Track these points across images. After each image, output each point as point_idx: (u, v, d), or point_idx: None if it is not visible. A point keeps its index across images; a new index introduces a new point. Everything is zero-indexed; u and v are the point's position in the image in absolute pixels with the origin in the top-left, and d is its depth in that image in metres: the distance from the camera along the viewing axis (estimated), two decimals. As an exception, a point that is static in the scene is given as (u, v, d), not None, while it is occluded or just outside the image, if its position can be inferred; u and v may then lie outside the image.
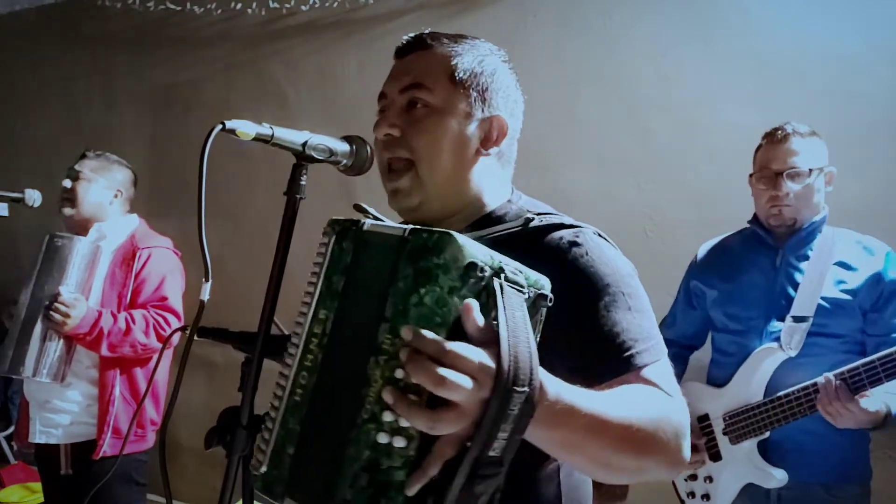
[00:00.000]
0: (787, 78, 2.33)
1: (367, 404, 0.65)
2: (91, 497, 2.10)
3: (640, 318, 0.90)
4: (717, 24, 2.44)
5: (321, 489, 0.70)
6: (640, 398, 0.83)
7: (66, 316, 2.09)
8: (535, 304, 0.72)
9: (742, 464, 1.80)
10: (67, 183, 2.31)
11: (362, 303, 0.74)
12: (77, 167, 2.34)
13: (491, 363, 0.63)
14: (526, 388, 0.63)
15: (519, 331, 0.65)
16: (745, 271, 1.87)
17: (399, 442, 0.64)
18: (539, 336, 0.72)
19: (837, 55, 2.27)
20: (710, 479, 1.88)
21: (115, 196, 2.38)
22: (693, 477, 1.92)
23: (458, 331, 0.65)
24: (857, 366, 1.63)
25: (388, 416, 0.64)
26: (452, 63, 1.00)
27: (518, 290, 0.68)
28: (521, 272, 0.70)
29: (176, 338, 2.22)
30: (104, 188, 2.36)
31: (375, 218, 0.82)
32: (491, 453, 0.63)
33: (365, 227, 0.78)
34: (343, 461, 0.66)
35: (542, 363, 0.68)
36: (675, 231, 2.50)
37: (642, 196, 2.55)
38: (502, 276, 0.67)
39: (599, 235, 0.97)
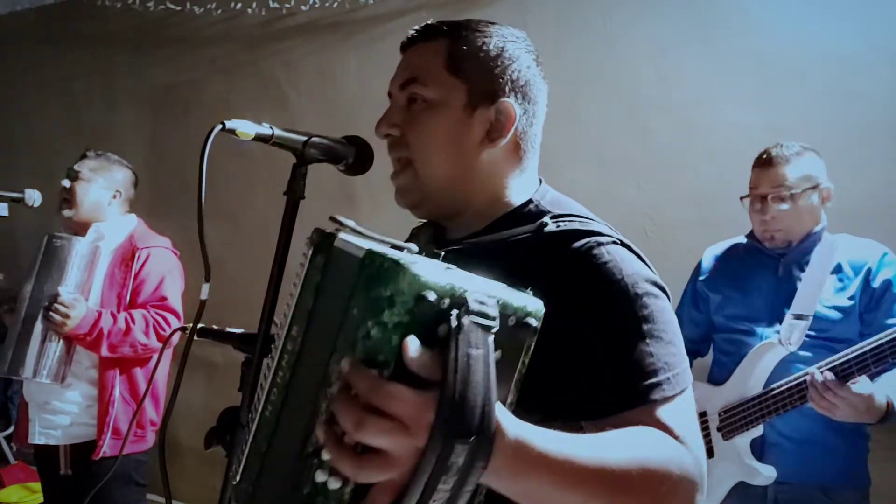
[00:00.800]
0: (787, 78, 2.33)
1: (313, 437, 0.61)
2: (91, 497, 2.09)
3: (657, 345, 0.80)
4: (717, 24, 2.44)
5: None
6: (638, 441, 0.71)
7: (66, 316, 2.09)
8: (514, 333, 0.64)
9: (732, 461, 1.80)
10: (66, 183, 2.31)
11: (324, 325, 0.69)
12: (76, 167, 2.34)
13: (429, 408, 0.56)
14: (472, 438, 0.55)
15: (473, 371, 0.57)
16: (748, 277, 1.89)
17: (333, 484, 0.60)
18: (523, 367, 0.67)
19: (837, 55, 2.27)
20: None
21: (114, 196, 2.38)
22: None
23: (403, 371, 0.58)
24: (842, 355, 1.65)
25: (326, 455, 0.60)
26: (450, 51, 0.93)
27: (483, 322, 0.60)
28: (492, 300, 0.61)
29: (176, 338, 2.22)
30: (103, 188, 2.35)
31: (353, 230, 0.75)
32: None
33: (335, 243, 0.72)
34: (292, 491, 0.63)
35: (528, 397, 0.63)
36: (675, 231, 2.50)
37: (642, 196, 2.55)
38: (463, 307, 0.59)
39: (622, 244, 0.88)
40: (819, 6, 2.31)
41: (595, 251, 0.84)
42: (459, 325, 0.58)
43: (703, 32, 2.46)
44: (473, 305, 0.59)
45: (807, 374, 1.67)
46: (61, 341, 2.15)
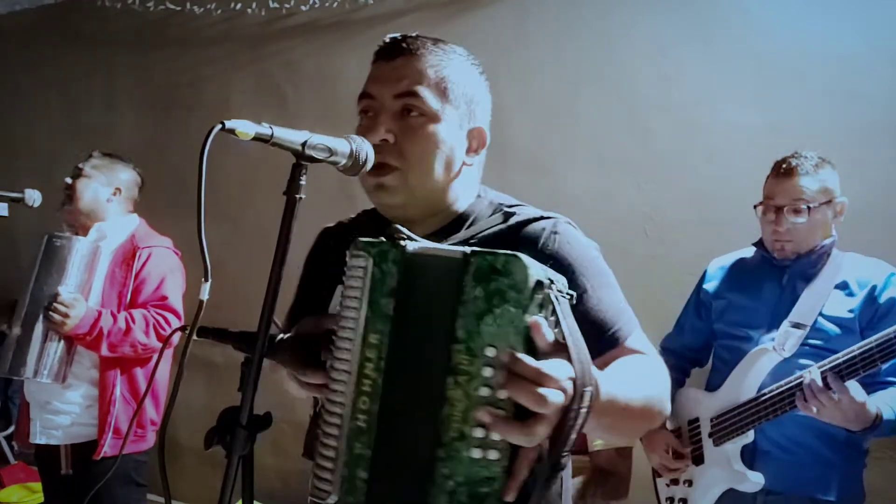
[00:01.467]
0: (787, 78, 2.33)
1: (454, 423, 0.69)
2: (91, 498, 2.10)
3: (614, 293, 1.01)
4: (717, 24, 2.44)
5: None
6: (643, 372, 0.94)
7: (66, 316, 2.09)
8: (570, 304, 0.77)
9: (721, 467, 1.80)
10: (68, 179, 2.34)
11: (422, 324, 0.76)
12: (80, 165, 2.36)
13: (572, 373, 0.70)
14: (591, 387, 0.71)
15: (576, 336, 0.71)
16: (752, 285, 1.89)
17: (493, 455, 0.69)
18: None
19: (837, 55, 2.27)
20: (689, 482, 1.88)
21: (114, 194, 2.38)
22: (675, 482, 1.92)
23: (530, 345, 0.70)
24: (834, 358, 1.64)
25: (478, 433, 0.68)
26: (444, 74, 1.01)
27: (564, 297, 0.74)
28: (560, 280, 0.76)
29: (176, 338, 2.22)
30: (102, 185, 2.36)
31: (409, 238, 0.83)
32: (566, 451, 0.70)
33: (411, 249, 0.80)
34: (434, 480, 0.70)
35: None
36: (675, 231, 2.50)
37: (642, 196, 2.55)
38: (554, 287, 0.73)
39: (568, 223, 1.04)
40: (819, 6, 2.31)
41: (559, 228, 1.00)
42: (559, 301, 0.73)
43: (703, 32, 2.46)
44: (559, 286, 0.75)
45: (799, 377, 1.66)
46: (62, 341, 2.15)
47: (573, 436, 0.70)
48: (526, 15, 2.73)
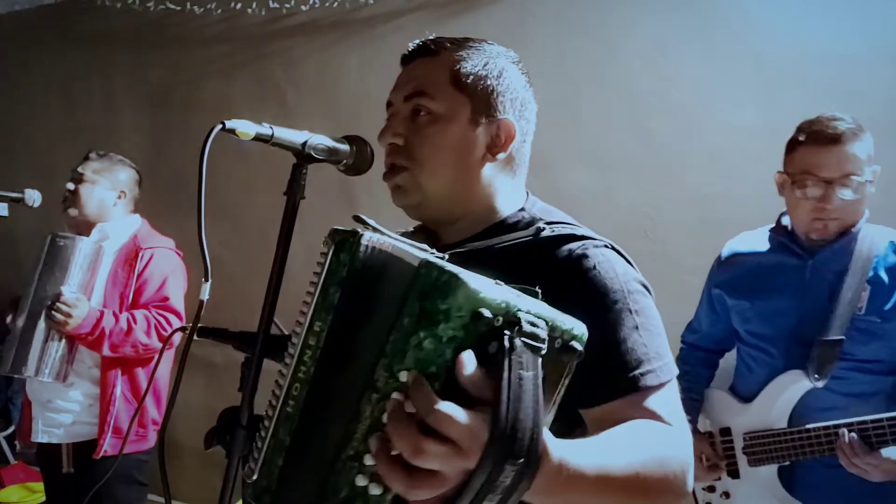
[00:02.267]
0: (787, 78, 2.33)
1: (354, 441, 0.62)
2: (92, 497, 2.10)
3: (647, 336, 0.86)
4: (717, 24, 2.44)
5: None
6: (644, 440, 0.77)
7: (68, 316, 2.09)
8: (558, 355, 0.64)
9: (760, 488, 1.70)
10: (70, 185, 2.32)
11: (362, 324, 0.72)
12: (80, 169, 2.34)
13: (482, 431, 0.57)
14: (521, 461, 0.56)
15: (524, 394, 0.57)
16: (770, 287, 1.67)
17: (374, 490, 0.60)
18: (562, 388, 0.67)
19: (837, 55, 2.27)
20: (727, 494, 1.79)
21: (119, 197, 2.38)
22: (711, 489, 1.82)
23: (452, 384, 0.59)
24: (879, 418, 1.47)
25: (369, 460, 0.60)
26: (455, 68, 0.99)
27: (533, 344, 0.60)
28: (542, 321, 0.62)
29: (177, 337, 2.22)
30: (107, 189, 2.36)
31: (375, 230, 0.79)
32: None
33: (367, 242, 0.76)
34: (325, 490, 0.64)
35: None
36: (675, 232, 2.50)
37: (642, 196, 2.55)
38: (516, 328, 0.60)
39: (612, 248, 0.94)
40: (819, 6, 2.31)
41: (590, 252, 0.90)
42: (512, 346, 0.58)
43: (703, 32, 2.46)
44: (526, 326, 0.60)
45: (838, 425, 1.52)
46: (64, 340, 2.16)
47: None
48: (526, 15, 2.73)
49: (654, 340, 0.87)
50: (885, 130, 2.22)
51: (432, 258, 0.64)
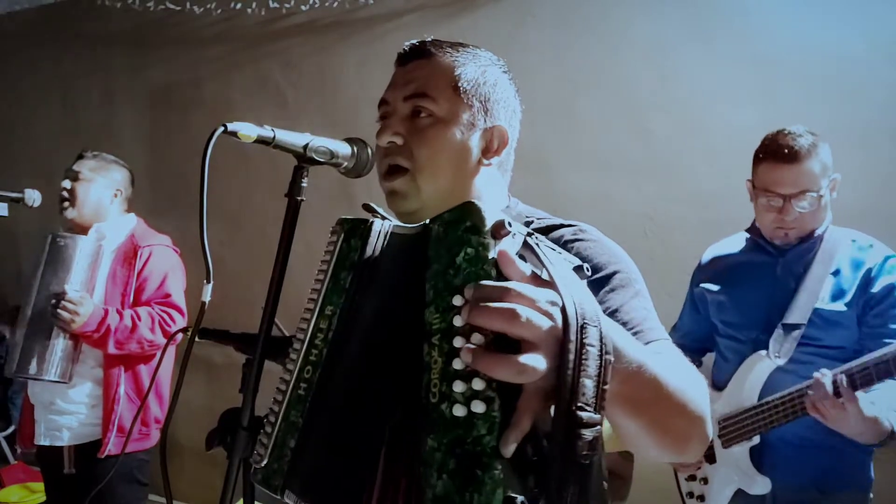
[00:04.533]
0: (787, 78, 2.33)
1: (433, 388, 0.61)
2: (94, 496, 2.10)
3: (645, 302, 0.91)
4: (717, 24, 2.44)
5: (328, 489, 0.71)
6: (679, 364, 0.83)
7: (75, 314, 2.10)
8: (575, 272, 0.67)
9: (732, 468, 1.80)
10: (67, 184, 2.31)
11: (379, 299, 0.74)
12: (75, 168, 2.34)
13: (556, 296, 0.59)
14: (598, 324, 0.58)
15: (569, 278, 0.61)
16: (744, 280, 1.82)
17: (478, 407, 0.58)
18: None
19: (837, 55, 2.27)
20: (705, 480, 1.89)
21: (115, 195, 2.39)
22: (692, 477, 1.93)
23: (502, 279, 0.61)
24: (850, 367, 1.56)
25: (458, 387, 0.59)
26: (456, 73, 1.00)
27: (552, 248, 0.65)
28: (550, 245, 0.67)
29: (179, 335, 2.23)
30: (104, 188, 2.36)
31: (383, 217, 0.82)
32: (582, 402, 0.57)
33: (379, 228, 0.78)
34: (421, 452, 0.62)
35: None
36: (675, 231, 2.50)
37: (642, 196, 2.55)
38: (533, 237, 0.65)
39: (593, 230, 1.00)
40: (819, 6, 2.31)
41: (583, 235, 0.95)
42: (539, 244, 0.63)
43: (703, 32, 2.46)
44: (541, 241, 0.65)
45: (800, 389, 1.63)
46: (68, 340, 2.16)
47: (587, 382, 0.57)
48: (525, 15, 2.73)
49: (651, 311, 0.92)
50: (885, 130, 2.22)
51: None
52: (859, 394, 1.52)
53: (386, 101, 1.03)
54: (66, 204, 2.31)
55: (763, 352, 1.73)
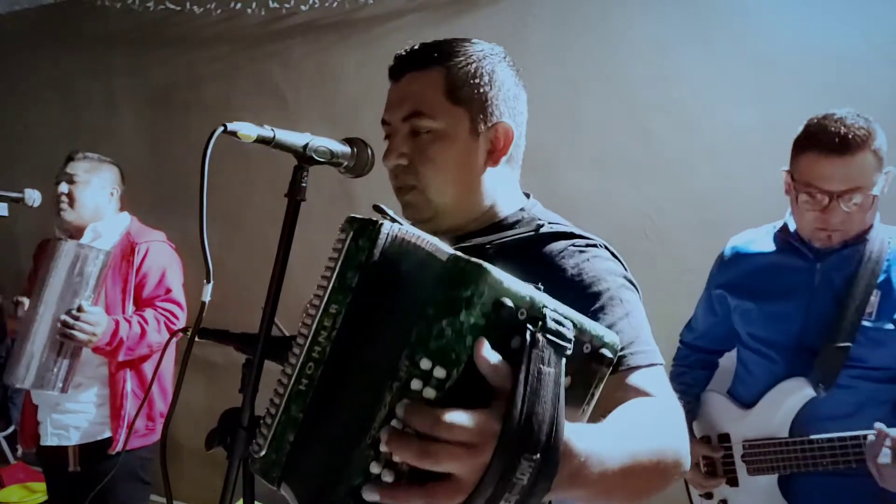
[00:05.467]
0: (787, 78, 2.33)
1: (372, 429, 0.61)
2: (97, 495, 2.10)
3: (636, 324, 0.89)
4: (717, 24, 2.44)
5: (314, 488, 0.72)
6: (650, 417, 0.79)
7: (92, 335, 2.08)
8: (588, 361, 0.64)
9: (757, 497, 1.65)
10: (64, 188, 2.31)
11: (383, 310, 0.74)
12: (69, 170, 2.34)
13: (494, 424, 0.56)
14: (536, 457, 0.54)
15: (543, 388, 0.56)
16: (776, 290, 1.60)
17: (387, 477, 0.59)
18: (592, 399, 0.67)
19: (837, 55, 2.27)
20: (724, 502, 1.75)
21: (111, 195, 2.40)
22: (709, 495, 1.78)
23: (472, 372, 0.59)
24: None
25: (385, 447, 0.59)
26: (447, 80, 0.99)
27: (557, 342, 0.59)
28: (569, 321, 0.62)
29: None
30: (99, 189, 2.37)
31: (393, 220, 0.82)
32: None
33: (388, 231, 0.78)
34: (338, 473, 0.65)
35: None
36: (675, 232, 2.50)
37: (642, 196, 2.55)
38: (540, 323, 0.59)
39: (607, 249, 0.98)
40: (819, 6, 2.31)
41: (584, 249, 0.95)
42: (534, 340, 0.58)
43: (703, 32, 2.46)
44: (550, 323, 0.60)
45: (855, 437, 1.44)
46: (71, 352, 2.14)
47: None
48: (526, 15, 2.73)
49: (642, 329, 0.90)
50: (885, 130, 2.21)
51: (461, 253, 0.64)
52: None
53: (385, 121, 1.03)
54: (64, 206, 2.31)
55: (803, 379, 1.52)
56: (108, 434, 2.25)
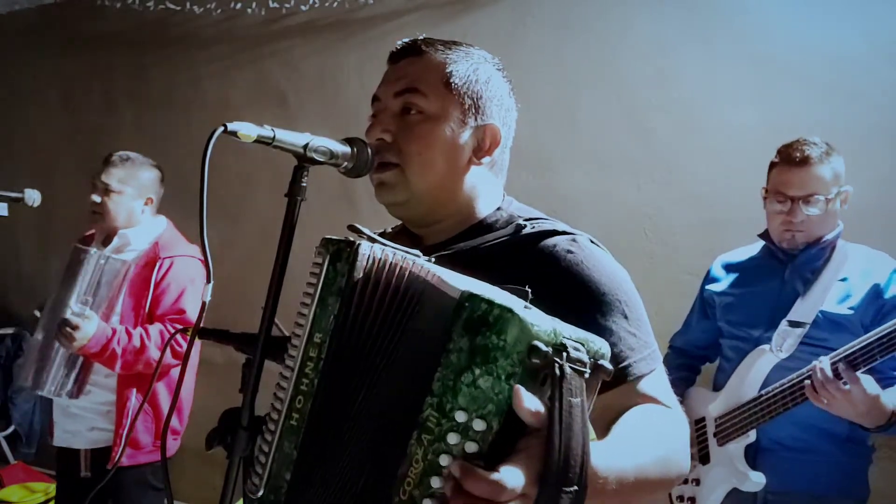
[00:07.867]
0: (787, 78, 2.33)
1: (406, 485, 0.61)
2: (107, 501, 2.10)
3: (635, 326, 0.90)
4: (717, 24, 2.44)
5: None
6: (657, 427, 0.83)
7: (71, 337, 2.03)
8: (594, 376, 0.66)
9: (725, 466, 1.79)
10: (97, 198, 2.27)
11: (379, 343, 0.72)
12: (105, 178, 2.27)
13: (536, 466, 0.60)
14: (574, 487, 0.59)
15: (574, 421, 0.60)
16: (752, 282, 1.86)
17: None
18: (590, 405, 0.69)
19: (837, 55, 2.27)
20: (696, 481, 1.86)
21: (146, 203, 2.34)
22: (684, 479, 1.90)
23: (510, 417, 0.61)
24: (849, 348, 1.57)
25: (427, 503, 0.61)
26: (448, 70, 0.99)
27: (579, 369, 0.62)
28: (583, 345, 0.64)
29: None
30: (133, 198, 2.30)
31: (371, 239, 0.79)
32: None
33: (368, 252, 0.75)
34: None
35: None
36: (675, 232, 2.50)
37: (642, 196, 2.55)
38: (564, 355, 0.61)
39: (592, 242, 0.97)
40: (819, 6, 2.31)
41: (574, 247, 0.92)
42: (563, 373, 0.60)
43: (703, 32, 2.46)
44: (572, 353, 0.62)
45: (799, 375, 1.64)
46: (81, 357, 2.13)
47: None
48: (525, 15, 2.73)
49: (642, 329, 0.90)
50: (886, 131, 2.22)
51: (474, 289, 0.63)
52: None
53: (377, 97, 1.03)
54: (97, 217, 2.28)
55: (765, 346, 1.74)
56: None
